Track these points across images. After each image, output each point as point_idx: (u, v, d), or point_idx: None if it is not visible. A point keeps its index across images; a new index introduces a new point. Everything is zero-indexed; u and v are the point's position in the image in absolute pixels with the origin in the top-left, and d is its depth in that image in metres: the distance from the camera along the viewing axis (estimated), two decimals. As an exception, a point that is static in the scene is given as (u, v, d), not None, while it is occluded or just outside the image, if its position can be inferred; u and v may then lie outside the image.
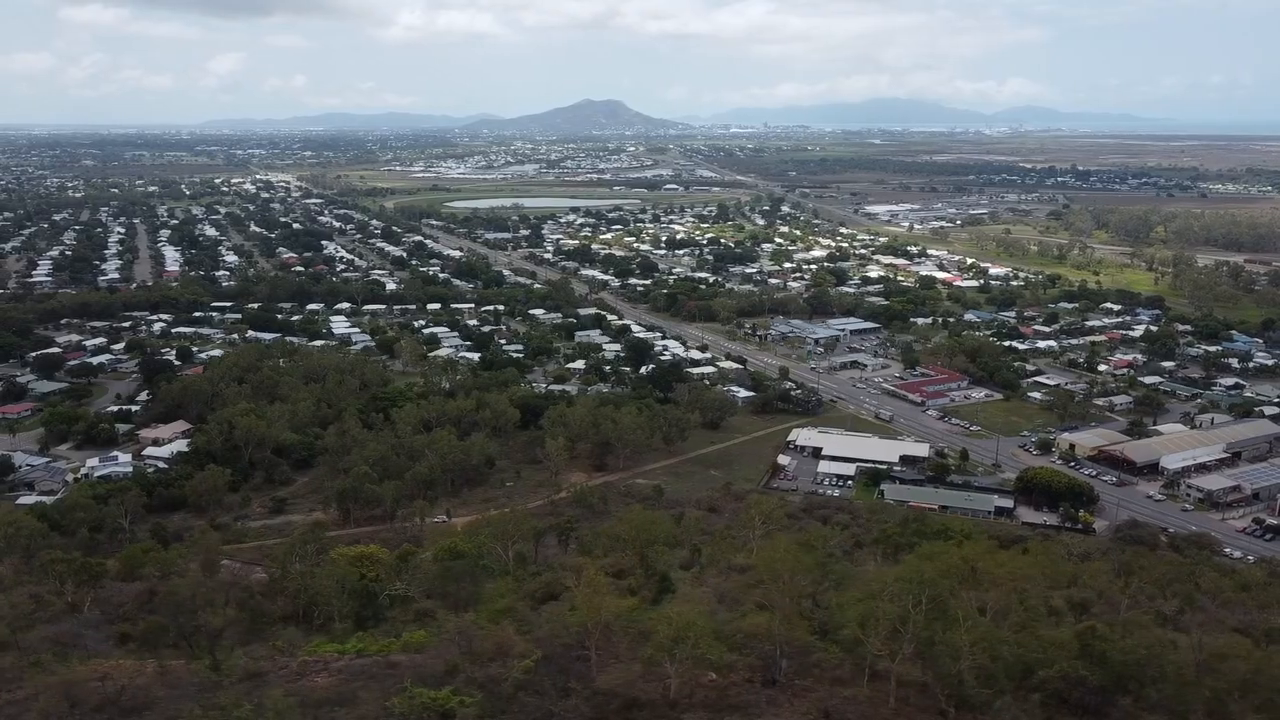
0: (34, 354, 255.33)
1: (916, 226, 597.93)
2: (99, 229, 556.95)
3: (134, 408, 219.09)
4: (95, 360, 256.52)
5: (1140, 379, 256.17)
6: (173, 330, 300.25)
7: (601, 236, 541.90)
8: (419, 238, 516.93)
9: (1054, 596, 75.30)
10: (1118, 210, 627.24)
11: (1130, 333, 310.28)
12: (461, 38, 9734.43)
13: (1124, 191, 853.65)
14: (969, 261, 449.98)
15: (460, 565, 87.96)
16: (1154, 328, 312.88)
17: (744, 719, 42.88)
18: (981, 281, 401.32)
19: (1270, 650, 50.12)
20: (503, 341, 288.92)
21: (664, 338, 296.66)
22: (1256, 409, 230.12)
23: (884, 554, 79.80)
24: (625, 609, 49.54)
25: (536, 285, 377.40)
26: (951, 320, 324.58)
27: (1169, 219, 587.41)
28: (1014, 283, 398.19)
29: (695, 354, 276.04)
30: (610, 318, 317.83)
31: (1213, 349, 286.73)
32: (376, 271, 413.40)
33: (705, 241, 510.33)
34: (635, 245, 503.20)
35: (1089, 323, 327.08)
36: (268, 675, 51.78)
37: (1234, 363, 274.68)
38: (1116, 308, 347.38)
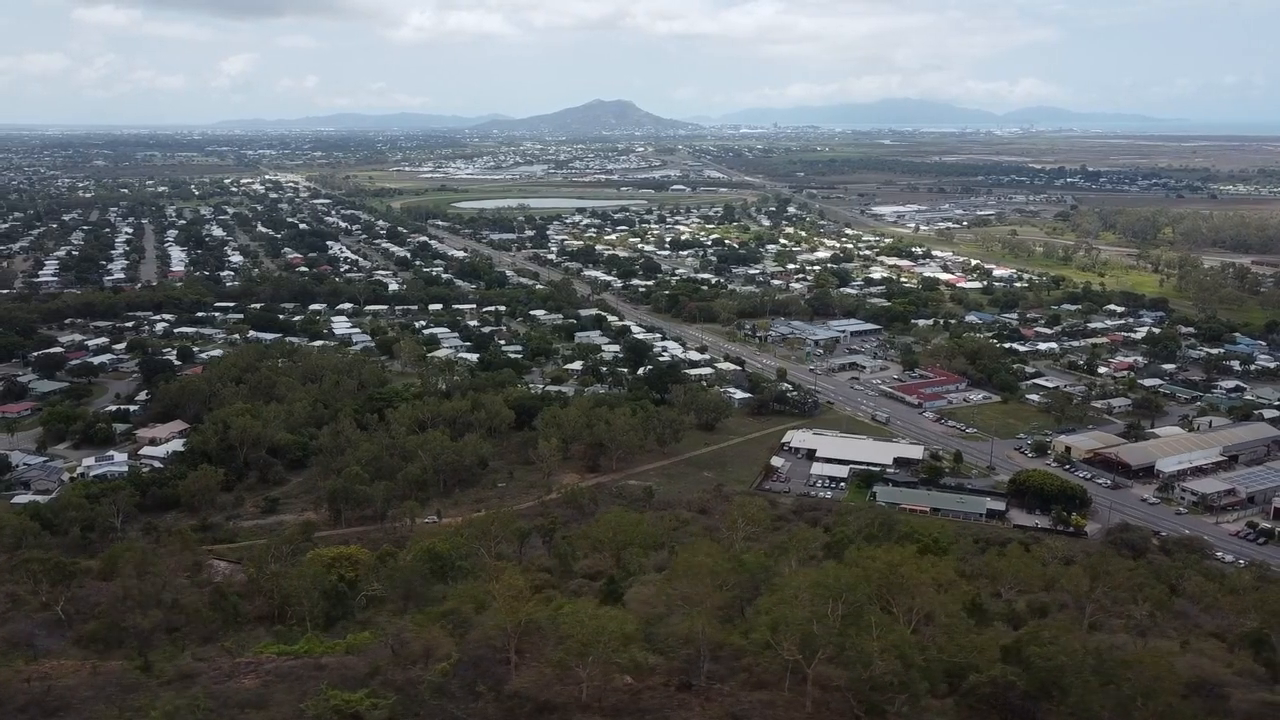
0: (36, 354, 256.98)
1: (923, 227, 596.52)
2: (107, 229, 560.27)
3: (132, 407, 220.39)
4: (96, 360, 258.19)
5: (1140, 381, 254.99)
6: (175, 330, 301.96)
7: (606, 237, 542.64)
8: (424, 238, 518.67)
9: (1018, 600, 75.36)
10: (1125, 211, 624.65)
11: (1132, 335, 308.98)
12: (471, 38, 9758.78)
13: (1134, 192, 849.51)
14: (973, 263, 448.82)
15: (409, 566, 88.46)
16: (1156, 330, 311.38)
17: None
18: (985, 283, 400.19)
19: (1169, 657, 49.88)
20: (502, 342, 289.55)
21: (663, 339, 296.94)
22: (1256, 412, 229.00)
23: (829, 558, 79.40)
24: (550, 612, 49.64)
25: (539, 286, 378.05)
26: (953, 322, 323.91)
27: (1177, 220, 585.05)
28: (1018, 284, 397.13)
29: (694, 355, 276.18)
30: (611, 319, 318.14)
31: (1215, 351, 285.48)
32: (380, 272, 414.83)
33: (709, 242, 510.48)
34: (639, 246, 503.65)
35: (1091, 325, 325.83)
36: (198, 676, 52.07)
37: (1236, 365, 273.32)
38: (1120, 310, 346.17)
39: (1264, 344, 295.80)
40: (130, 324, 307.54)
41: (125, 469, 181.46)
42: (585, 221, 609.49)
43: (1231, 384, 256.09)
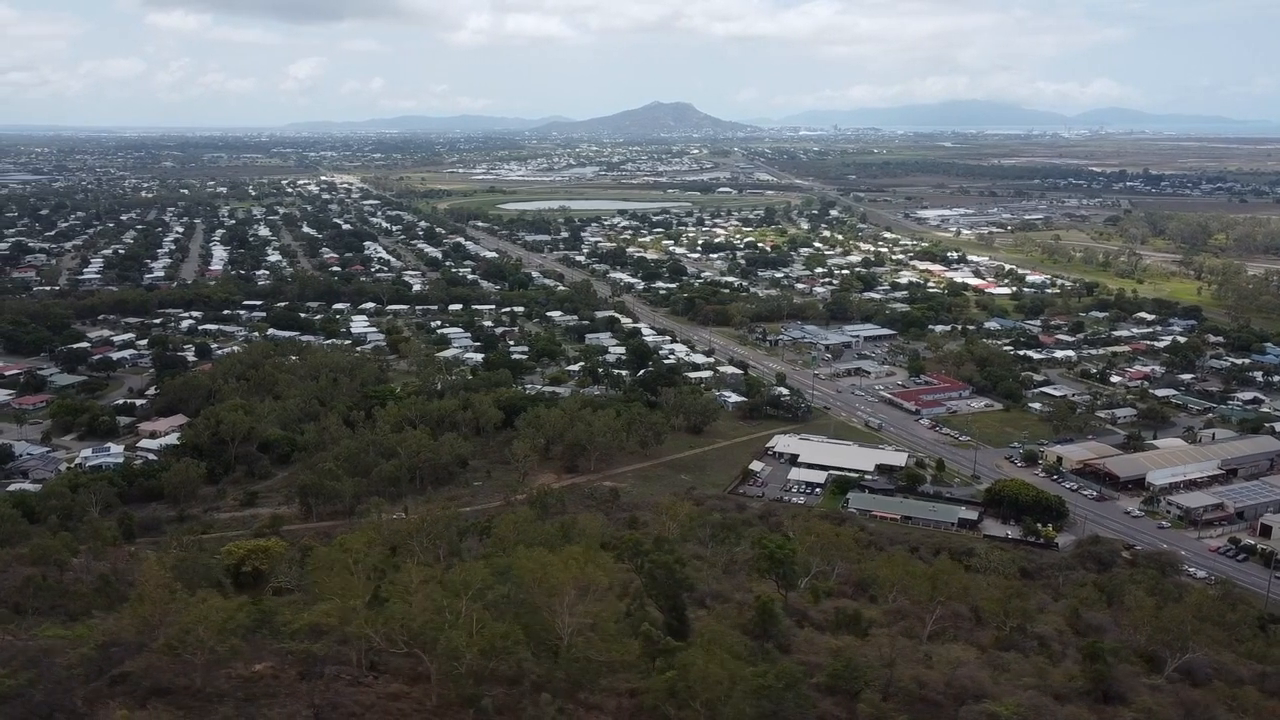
0: (60, 348, 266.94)
1: (965, 232, 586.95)
2: (159, 228, 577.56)
3: (140, 401, 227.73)
4: (116, 356, 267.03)
5: (1153, 391, 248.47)
6: (199, 327, 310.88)
7: (641, 239, 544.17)
8: (459, 239, 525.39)
9: (876, 609, 75.25)
10: (1177, 216, 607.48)
11: (1156, 343, 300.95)
12: (529, 41, 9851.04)
13: (1195, 196, 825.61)
14: (1007, 268, 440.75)
15: (189, 562, 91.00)
16: (1183, 339, 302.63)
17: (234, 705, 44.84)
18: (1015, 288, 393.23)
19: (755, 666, 49.23)
20: (511, 343, 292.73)
21: (673, 341, 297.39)
22: (1267, 425, 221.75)
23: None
24: (202, 607, 51.15)
25: (561, 288, 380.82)
26: (972, 328, 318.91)
27: (1230, 226, 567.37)
28: (1049, 290, 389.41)
29: (698, 358, 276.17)
30: (625, 321, 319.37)
31: (1239, 361, 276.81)
32: (409, 272, 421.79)
33: (742, 245, 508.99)
34: (672, 249, 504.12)
35: (1117, 333, 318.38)
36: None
37: (1259, 376, 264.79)
38: (1150, 317, 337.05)
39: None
40: (159, 321, 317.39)
41: (120, 460, 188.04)
42: (623, 224, 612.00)
43: (1250, 395, 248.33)
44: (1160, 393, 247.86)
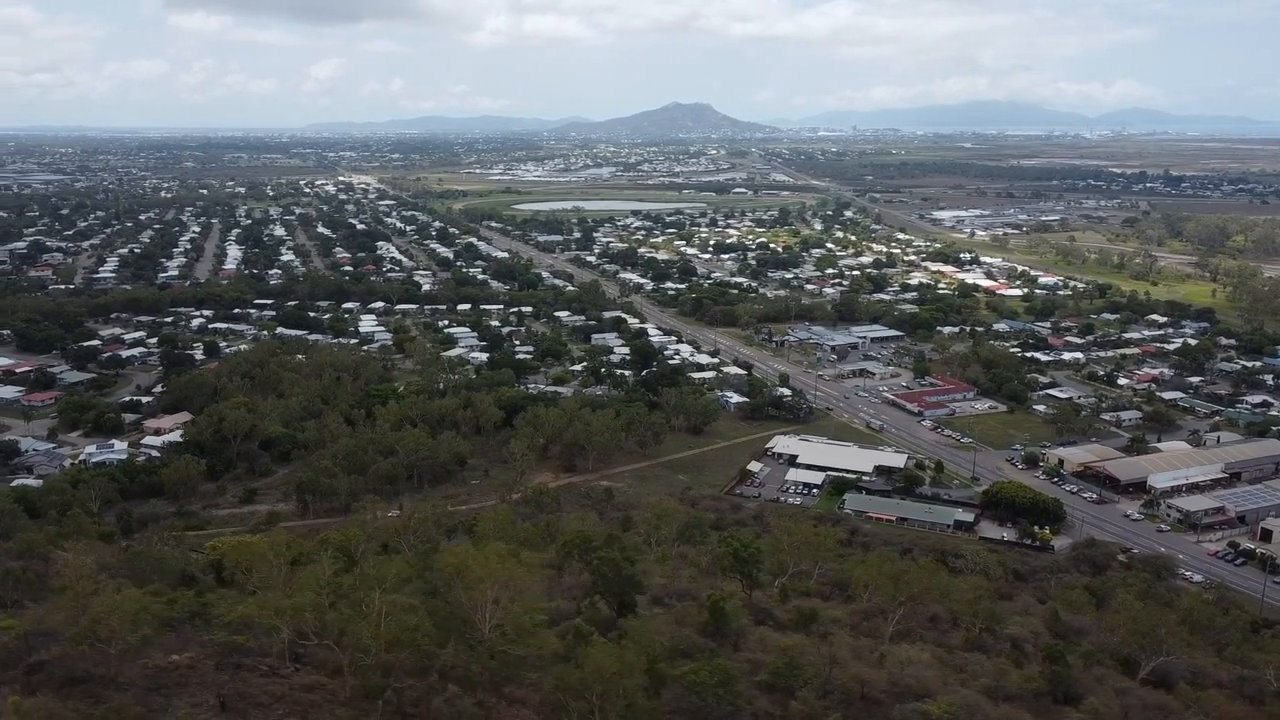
0: (71, 346, 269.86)
1: (979, 233, 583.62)
2: (176, 228, 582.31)
3: (146, 399, 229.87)
4: (125, 354, 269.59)
5: (1160, 394, 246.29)
6: (210, 326, 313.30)
7: (653, 240, 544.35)
8: (471, 239, 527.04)
9: (841, 608, 75.29)
10: (1195, 218, 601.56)
11: (1167, 346, 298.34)
12: (547, 41, 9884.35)
13: (1215, 198, 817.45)
14: (1019, 269, 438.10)
15: (143, 555, 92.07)
16: (1193, 341, 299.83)
17: (137, 695, 45.37)
18: (1027, 290, 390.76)
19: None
20: (517, 342, 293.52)
21: (678, 341, 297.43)
22: (1274, 428, 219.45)
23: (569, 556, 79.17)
24: (115, 598, 51.99)
25: (570, 288, 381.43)
26: (980, 330, 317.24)
27: (1250, 227, 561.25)
28: (1062, 292, 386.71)
29: (703, 358, 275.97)
30: (631, 321, 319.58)
31: (1251, 364, 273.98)
32: (420, 272, 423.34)
33: (754, 246, 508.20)
34: (683, 249, 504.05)
35: (1127, 335, 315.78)
36: None
37: (1270, 379, 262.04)
38: (1162, 320, 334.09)
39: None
40: (170, 319, 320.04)
41: (124, 457, 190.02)
42: (636, 224, 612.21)
43: (1259, 398, 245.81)
44: (1167, 395, 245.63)
